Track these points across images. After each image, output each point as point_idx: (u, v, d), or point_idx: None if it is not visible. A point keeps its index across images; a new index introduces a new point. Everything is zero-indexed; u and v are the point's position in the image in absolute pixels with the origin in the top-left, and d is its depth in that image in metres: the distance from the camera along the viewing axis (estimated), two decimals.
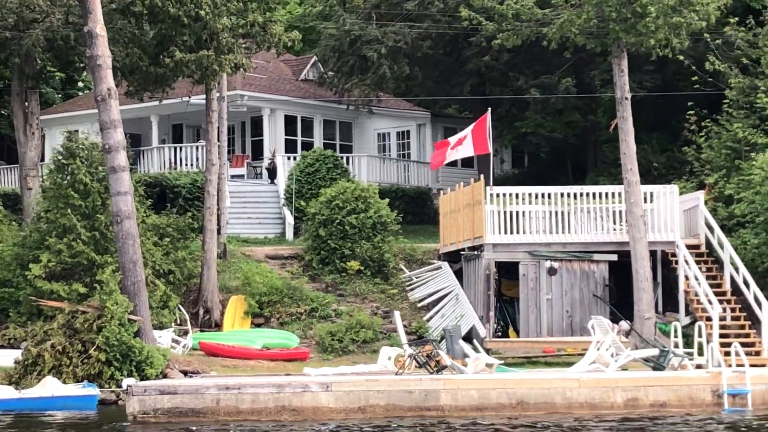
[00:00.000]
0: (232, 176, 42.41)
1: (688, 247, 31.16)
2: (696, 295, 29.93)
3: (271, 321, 32.80)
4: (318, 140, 46.01)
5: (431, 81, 45.83)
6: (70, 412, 23.86)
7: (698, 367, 25.34)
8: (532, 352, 30.26)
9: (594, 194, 32.11)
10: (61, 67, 45.49)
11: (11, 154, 45.79)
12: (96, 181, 31.26)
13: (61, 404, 24.37)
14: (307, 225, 36.58)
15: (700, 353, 26.56)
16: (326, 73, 45.45)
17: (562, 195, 31.96)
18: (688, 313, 30.58)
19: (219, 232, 34.70)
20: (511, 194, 31.78)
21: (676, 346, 26.99)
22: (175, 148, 43.46)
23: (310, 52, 50.72)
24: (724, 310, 29.51)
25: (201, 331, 32.22)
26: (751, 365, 24.05)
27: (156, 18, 32.02)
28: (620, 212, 31.52)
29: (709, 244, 31.75)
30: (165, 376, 26.23)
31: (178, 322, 31.73)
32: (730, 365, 23.90)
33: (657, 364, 25.13)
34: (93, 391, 24.98)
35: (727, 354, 24.88)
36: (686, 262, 30.55)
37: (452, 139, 33.60)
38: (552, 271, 30.98)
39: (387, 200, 36.19)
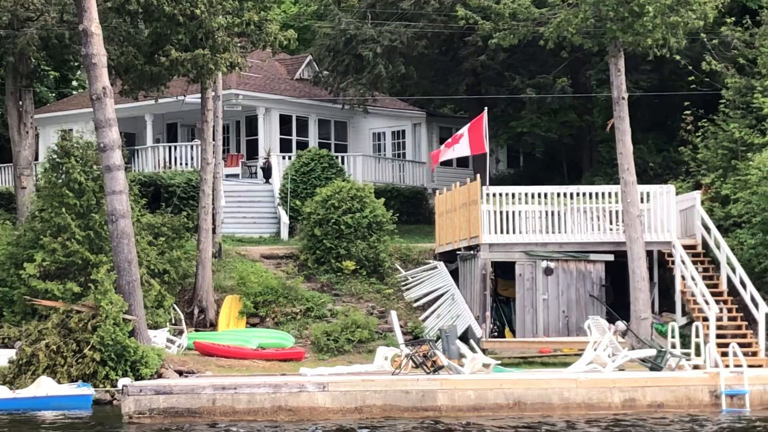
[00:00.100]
0: (227, 175, 42.27)
1: (685, 247, 31.11)
2: (693, 295, 29.89)
3: (266, 321, 32.71)
4: (313, 140, 45.95)
5: (427, 80, 45.76)
6: (65, 412, 23.74)
7: (696, 367, 25.32)
8: (529, 353, 30.21)
9: (590, 194, 32.03)
10: (56, 65, 45.37)
11: (5, 153, 45.61)
12: (91, 180, 31.16)
13: (56, 404, 24.26)
14: (302, 224, 36.50)
15: (698, 354, 26.54)
16: (321, 73, 45.39)
17: (558, 195, 31.90)
18: (684, 313, 30.54)
19: (214, 232, 34.65)
20: (507, 194, 31.70)
21: (674, 346, 26.95)
22: (170, 147, 43.38)
23: (305, 52, 50.62)
24: (721, 310, 29.51)
25: (196, 330, 32.17)
26: (749, 366, 24.01)
27: (151, 16, 31.92)
28: (616, 212, 31.46)
29: (705, 245, 31.72)
30: (160, 376, 26.17)
31: (173, 321, 31.63)
32: (727, 366, 23.83)
33: (654, 364, 25.06)
34: (88, 390, 24.89)
35: (724, 354, 24.83)
36: (683, 262, 30.50)
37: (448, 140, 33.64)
38: (548, 271, 30.92)
39: (382, 200, 36.10)
